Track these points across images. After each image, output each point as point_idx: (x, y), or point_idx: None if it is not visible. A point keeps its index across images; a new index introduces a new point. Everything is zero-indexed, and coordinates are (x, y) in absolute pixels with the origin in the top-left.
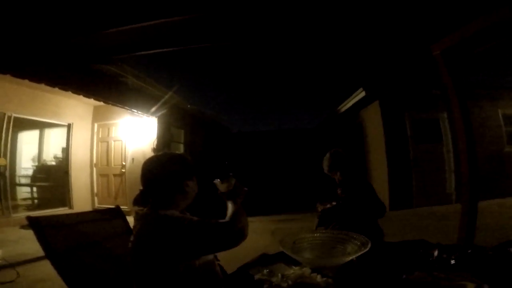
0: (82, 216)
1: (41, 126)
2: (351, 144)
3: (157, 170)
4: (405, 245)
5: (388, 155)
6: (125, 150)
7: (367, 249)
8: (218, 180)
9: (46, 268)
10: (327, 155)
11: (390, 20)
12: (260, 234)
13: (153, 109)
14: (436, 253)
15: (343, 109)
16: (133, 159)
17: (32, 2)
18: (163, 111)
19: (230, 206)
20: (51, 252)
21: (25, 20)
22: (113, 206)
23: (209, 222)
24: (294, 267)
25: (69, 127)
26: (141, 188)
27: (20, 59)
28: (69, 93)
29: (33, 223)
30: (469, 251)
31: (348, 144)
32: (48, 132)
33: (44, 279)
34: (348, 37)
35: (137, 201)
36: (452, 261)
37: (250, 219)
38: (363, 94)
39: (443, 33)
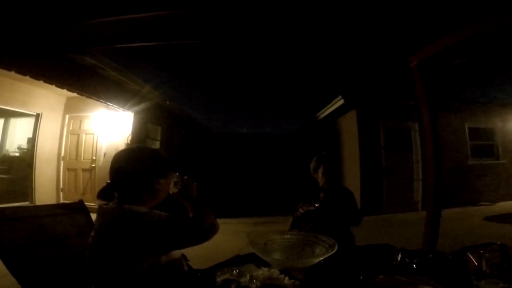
0: (41, 210)
1: (6, 114)
2: (328, 149)
3: (127, 163)
4: (370, 249)
5: (362, 162)
6: (96, 144)
7: (334, 251)
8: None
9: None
10: (318, 157)
11: (371, 31)
12: (235, 236)
13: (130, 103)
14: (399, 257)
15: (322, 116)
16: (105, 154)
17: None
18: (140, 106)
19: (188, 204)
20: (2, 248)
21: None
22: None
23: (178, 217)
24: (263, 268)
25: (37, 117)
26: (108, 181)
27: None
28: (41, 82)
29: None
30: (430, 255)
31: (325, 150)
32: (14, 121)
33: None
34: (330, 45)
35: (102, 194)
36: (414, 265)
37: (226, 220)
38: (341, 102)
39: (420, 45)
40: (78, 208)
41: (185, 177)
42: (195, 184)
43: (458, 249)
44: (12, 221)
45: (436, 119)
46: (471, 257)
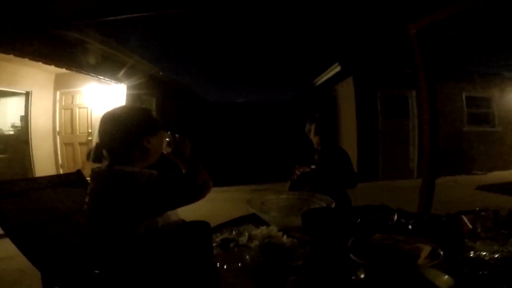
0: (40, 182)
1: None
2: (325, 116)
3: (114, 121)
4: (367, 209)
5: (358, 128)
6: (91, 117)
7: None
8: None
9: (5, 247)
10: (310, 118)
11: None
12: (235, 203)
13: (122, 75)
14: (395, 217)
15: (319, 82)
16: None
17: None
18: (133, 78)
19: (181, 163)
20: (9, 228)
21: None
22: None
23: (170, 175)
24: (262, 227)
25: (27, 95)
26: (97, 141)
27: None
28: (27, 60)
29: None
30: (425, 217)
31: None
32: (5, 101)
33: (9, 257)
34: (328, 11)
35: (91, 155)
36: (410, 226)
37: (224, 189)
38: (338, 69)
39: (420, 14)
40: (77, 178)
41: (177, 135)
42: (187, 142)
43: (453, 213)
44: (14, 197)
45: (434, 87)
46: (466, 220)
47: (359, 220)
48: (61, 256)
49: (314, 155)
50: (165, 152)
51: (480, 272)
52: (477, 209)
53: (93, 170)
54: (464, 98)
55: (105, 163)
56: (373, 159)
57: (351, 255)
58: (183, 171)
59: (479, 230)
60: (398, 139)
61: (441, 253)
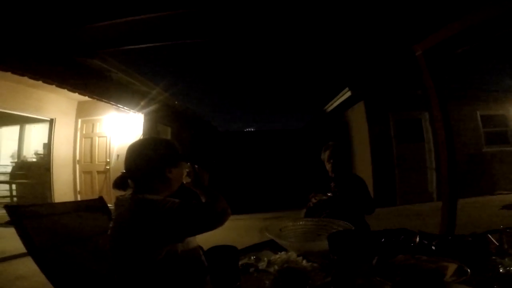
0: (63, 207)
1: (22, 121)
2: (337, 142)
3: (140, 152)
4: (387, 232)
5: (373, 154)
6: (109, 147)
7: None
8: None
9: (25, 266)
10: (325, 146)
11: (373, 21)
12: (248, 231)
13: (140, 105)
14: (417, 239)
15: (329, 109)
16: (118, 155)
17: None
18: (150, 108)
19: (201, 193)
20: (32, 247)
21: (11, 12)
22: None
23: (191, 203)
24: (280, 253)
25: (51, 122)
26: (123, 171)
27: (3, 51)
28: (53, 87)
29: (12, 212)
30: (449, 237)
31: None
32: (29, 127)
33: (23, 276)
34: (334, 38)
35: (117, 183)
36: (433, 247)
37: (238, 217)
38: (349, 94)
39: (425, 34)
40: (99, 204)
41: (196, 166)
42: (206, 172)
43: (479, 233)
44: (39, 218)
45: (446, 107)
46: (492, 239)
47: (383, 240)
48: (79, 277)
49: (330, 182)
50: (185, 182)
51: None
52: (502, 226)
53: (117, 198)
54: (479, 117)
55: (129, 191)
56: (390, 184)
57: (377, 278)
58: (203, 200)
59: (506, 246)
60: (414, 163)
61: (468, 270)
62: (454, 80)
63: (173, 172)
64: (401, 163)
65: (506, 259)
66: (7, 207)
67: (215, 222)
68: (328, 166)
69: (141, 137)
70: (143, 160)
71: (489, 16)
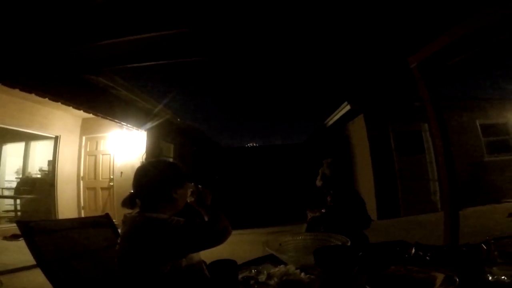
0: (71, 222)
1: (27, 138)
2: (339, 156)
3: (147, 174)
4: (384, 245)
5: (374, 166)
6: (113, 164)
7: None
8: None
9: (29, 278)
10: (323, 162)
11: (369, 34)
12: (250, 246)
13: (143, 122)
14: (413, 251)
15: (330, 123)
16: (121, 172)
17: (27, 13)
18: (152, 125)
19: (204, 212)
20: (42, 260)
21: (19, 30)
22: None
23: (194, 222)
24: (279, 266)
25: (56, 139)
26: (132, 191)
27: (12, 68)
28: (58, 104)
29: (23, 227)
30: (444, 248)
31: (336, 156)
32: (34, 144)
33: None
34: (332, 54)
35: (125, 202)
36: (427, 258)
37: (241, 231)
38: (348, 107)
39: (419, 45)
40: (105, 221)
41: (200, 186)
42: (209, 192)
43: (475, 243)
44: (48, 234)
45: (442, 118)
46: (484, 248)
47: (360, 253)
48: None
49: (326, 197)
50: (188, 201)
51: None
52: (487, 238)
53: (125, 215)
54: (478, 126)
55: (136, 210)
56: (393, 196)
57: (366, 287)
58: (206, 218)
59: (494, 254)
60: (416, 174)
61: (456, 279)
62: (452, 89)
63: (179, 192)
64: (403, 175)
65: (494, 268)
66: (18, 222)
67: (216, 240)
68: (326, 183)
69: (145, 155)
70: (150, 181)
71: (481, 24)
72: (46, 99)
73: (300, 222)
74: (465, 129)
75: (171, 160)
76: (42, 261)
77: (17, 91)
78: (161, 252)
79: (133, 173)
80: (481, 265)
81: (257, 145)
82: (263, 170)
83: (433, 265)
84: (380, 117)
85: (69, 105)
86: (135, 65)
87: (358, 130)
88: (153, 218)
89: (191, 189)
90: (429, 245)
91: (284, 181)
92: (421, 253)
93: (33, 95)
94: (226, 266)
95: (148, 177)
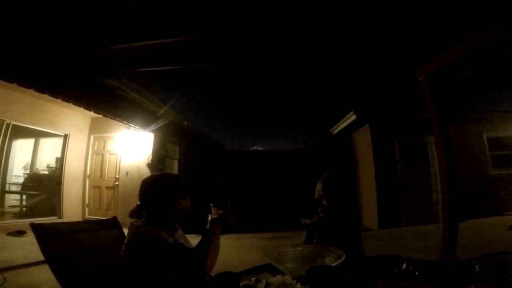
0: (81, 225)
1: (37, 135)
2: (342, 165)
3: (153, 187)
4: (377, 259)
5: (377, 177)
6: (119, 164)
7: (342, 260)
8: (213, 205)
9: (32, 275)
10: (319, 177)
11: (377, 47)
12: (251, 250)
13: (150, 124)
14: (403, 266)
15: (335, 131)
16: (127, 172)
17: (44, 15)
18: (159, 126)
19: (209, 233)
20: (51, 257)
21: (36, 32)
22: (109, 217)
23: (183, 250)
24: (277, 276)
25: (65, 137)
26: (138, 202)
27: (27, 68)
28: (70, 104)
29: (36, 229)
30: (434, 264)
31: (340, 165)
32: (43, 141)
33: (30, 285)
34: (341, 63)
35: (133, 214)
36: (416, 273)
37: (242, 235)
38: (354, 117)
39: (427, 59)
40: (113, 223)
41: (229, 211)
42: (234, 217)
43: (466, 259)
44: (59, 235)
45: (447, 131)
46: (476, 265)
47: (346, 274)
48: (90, 285)
49: (318, 207)
50: (211, 217)
51: None
52: (496, 255)
53: (132, 223)
54: (485, 140)
55: (142, 219)
56: (394, 206)
57: None
58: (204, 240)
59: (476, 272)
60: (419, 186)
61: None
62: (460, 101)
63: (182, 203)
64: (406, 186)
65: (473, 286)
66: (32, 225)
67: (197, 274)
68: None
69: (151, 156)
70: (155, 194)
71: (491, 39)
72: (59, 99)
73: (301, 229)
74: (472, 141)
75: (175, 162)
76: (51, 258)
77: (30, 90)
78: (151, 267)
79: (139, 174)
80: (472, 281)
81: (261, 149)
82: (267, 174)
83: (422, 280)
84: (386, 127)
85: (80, 106)
86: (146, 69)
87: (363, 140)
88: (151, 234)
89: (226, 208)
90: (420, 260)
91: (286, 186)
92: (411, 268)
93: (46, 95)
94: (229, 278)
95: (154, 190)
